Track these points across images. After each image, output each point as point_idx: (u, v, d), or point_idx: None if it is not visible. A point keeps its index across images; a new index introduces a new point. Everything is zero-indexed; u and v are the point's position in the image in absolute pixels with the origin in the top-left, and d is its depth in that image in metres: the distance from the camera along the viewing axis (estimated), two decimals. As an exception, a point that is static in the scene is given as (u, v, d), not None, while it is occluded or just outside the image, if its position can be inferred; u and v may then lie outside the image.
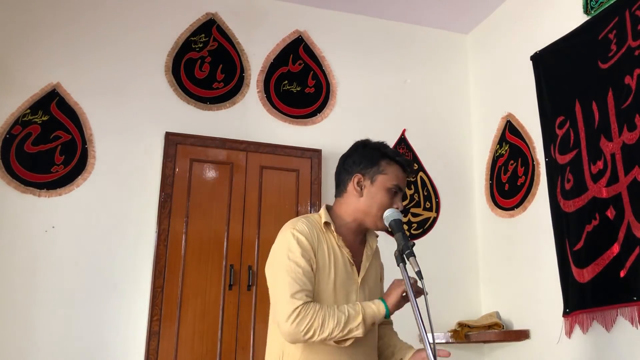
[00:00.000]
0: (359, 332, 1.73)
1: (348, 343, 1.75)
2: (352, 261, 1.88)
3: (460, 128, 3.94)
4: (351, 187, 1.92)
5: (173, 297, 3.01)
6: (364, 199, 1.89)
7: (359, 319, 1.72)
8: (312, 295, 1.78)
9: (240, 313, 3.07)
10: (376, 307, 1.75)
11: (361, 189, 1.90)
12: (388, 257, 1.98)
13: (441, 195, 3.77)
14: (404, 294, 1.77)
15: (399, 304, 1.79)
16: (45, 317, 2.92)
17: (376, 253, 2.02)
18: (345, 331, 1.72)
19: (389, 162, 1.92)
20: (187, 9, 3.58)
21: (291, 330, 1.72)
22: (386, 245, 2.14)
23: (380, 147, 1.96)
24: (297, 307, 1.72)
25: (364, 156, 1.94)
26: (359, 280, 1.87)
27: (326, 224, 1.89)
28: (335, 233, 1.88)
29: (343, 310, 1.74)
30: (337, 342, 1.75)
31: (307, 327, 1.70)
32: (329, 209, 1.96)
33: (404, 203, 3.63)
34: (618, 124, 2.69)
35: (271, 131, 3.52)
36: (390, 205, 1.87)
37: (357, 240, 1.95)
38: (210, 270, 3.11)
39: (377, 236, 2.03)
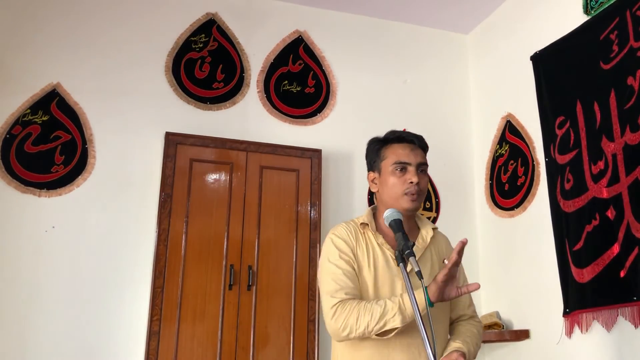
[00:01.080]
0: (396, 322, 1.67)
1: (391, 335, 1.71)
2: (395, 258, 1.85)
3: (460, 128, 3.94)
4: (371, 186, 1.98)
5: (173, 297, 3.01)
6: (380, 190, 1.93)
7: (395, 309, 1.68)
8: (357, 292, 1.80)
9: (240, 313, 3.07)
10: (417, 296, 1.64)
11: (376, 184, 1.95)
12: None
13: (441, 195, 3.77)
14: (446, 279, 1.66)
15: (442, 291, 1.68)
16: (46, 316, 2.92)
17: (436, 244, 1.96)
18: (382, 323, 1.68)
19: (387, 146, 1.94)
20: (187, 9, 3.58)
21: (331, 328, 1.77)
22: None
23: (380, 137, 1.99)
24: (335, 305, 1.75)
25: (369, 153, 2.01)
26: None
27: (363, 224, 1.92)
28: (374, 232, 1.90)
29: (381, 302, 1.71)
30: (380, 335, 1.71)
31: (343, 324, 1.72)
32: (374, 210, 2.00)
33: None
34: (620, 124, 2.68)
35: (271, 131, 3.52)
36: (401, 183, 1.86)
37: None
38: (210, 270, 3.10)
39: (434, 228, 1.98)
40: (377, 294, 1.82)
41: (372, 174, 1.98)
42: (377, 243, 1.88)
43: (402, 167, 1.88)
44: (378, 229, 1.92)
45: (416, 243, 1.90)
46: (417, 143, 1.95)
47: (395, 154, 1.90)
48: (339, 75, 3.78)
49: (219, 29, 3.61)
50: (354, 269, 1.84)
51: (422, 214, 3.65)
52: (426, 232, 1.95)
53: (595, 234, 2.74)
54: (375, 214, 1.98)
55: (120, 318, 3.02)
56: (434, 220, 3.69)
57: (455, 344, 1.82)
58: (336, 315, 1.74)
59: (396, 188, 1.87)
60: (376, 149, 1.96)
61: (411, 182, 1.85)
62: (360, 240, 1.89)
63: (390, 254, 1.86)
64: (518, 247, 3.36)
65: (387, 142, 1.95)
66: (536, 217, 3.23)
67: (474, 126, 3.94)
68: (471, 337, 1.89)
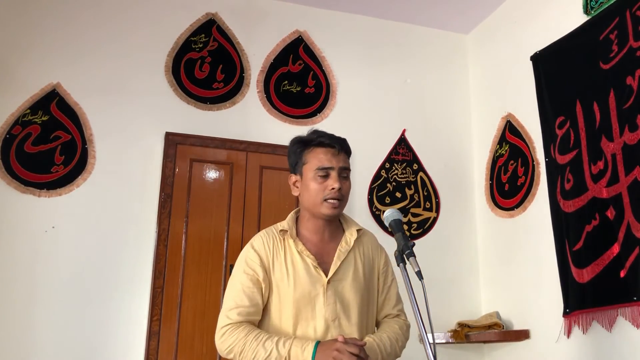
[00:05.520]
0: None
1: None
2: (316, 264, 1.83)
3: (460, 128, 3.94)
4: (293, 189, 1.93)
5: (173, 297, 3.01)
6: (301, 195, 1.89)
7: None
8: (252, 309, 1.78)
9: (240, 313, 3.07)
10: (301, 352, 1.66)
11: (298, 188, 1.90)
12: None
13: (441, 195, 3.77)
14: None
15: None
16: (45, 317, 2.92)
17: (361, 245, 1.93)
18: None
19: (308, 149, 1.88)
20: (187, 9, 3.58)
21: (217, 346, 1.79)
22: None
23: (302, 138, 1.91)
24: (225, 326, 1.76)
25: (291, 155, 1.93)
26: (325, 281, 1.82)
27: (282, 231, 1.88)
28: (294, 239, 1.85)
29: (268, 346, 1.69)
30: None
31: (229, 348, 1.74)
32: (297, 214, 1.94)
33: (404, 203, 3.64)
34: (619, 124, 2.68)
35: (271, 131, 3.51)
36: (322, 190, 1.82)
37: (325, 238, 1.89)
38: (210, 270, 3.11)
39: (359, 229, 1.94)
40: (297, 305, 1.79)
41: (293, 177, 1.92)
42: (297, 250, 1.84)
43: (325, 173, 1.83)
44: (299, 235, 1.87)
45: (339, 247, 1.88)
46: (340, 147, 1.86)
47: (317, 158, 1.84)
48: (339, 75, 3.78)
49: (219, 29, 3.61)
50: (258, 285, 1.81)
51: (423, 214, 3.68)
52: (350, 235, 1.91)
53: (595, 234, 2.74)
54: (298, 218, 1.93)
55: (120, 318, 3.02)
56: (434, 221, 3.69)
57: (365, 338, 1.81)
58: (224, 338, 1.75)
59: (317, 194, 1.82)
60: (298, 151, 1.89)
61: (332, 188, 1.81)
62: (278, 249, 1.84)
63: (310, 261, 1.82)
64: (518, 247, 3.36)
65: (309, 145, 1.88)
66: (536, 217, 3.23)
67: (474, 126, 3.94)
68: (389, 332, 1.87)
